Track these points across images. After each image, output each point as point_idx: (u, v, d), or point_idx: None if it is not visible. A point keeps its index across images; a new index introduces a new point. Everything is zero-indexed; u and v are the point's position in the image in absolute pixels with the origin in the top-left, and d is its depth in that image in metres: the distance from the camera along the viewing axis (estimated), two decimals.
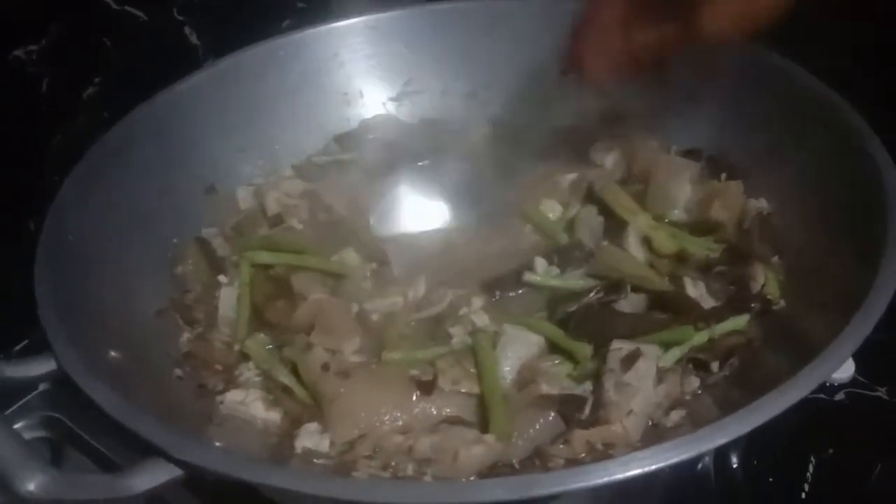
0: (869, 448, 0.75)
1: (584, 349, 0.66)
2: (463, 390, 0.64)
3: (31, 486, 0.41)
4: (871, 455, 0.75)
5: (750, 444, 0.73)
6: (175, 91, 0.85)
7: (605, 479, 0.45)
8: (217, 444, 0.54)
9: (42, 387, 0.91)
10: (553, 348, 0.68)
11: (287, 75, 0.93)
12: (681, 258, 0.75)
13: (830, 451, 0.76)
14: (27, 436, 0.87)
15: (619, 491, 0.62)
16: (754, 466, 0.74)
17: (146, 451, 0.48)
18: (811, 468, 0.75)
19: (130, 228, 0.75)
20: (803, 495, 0.72)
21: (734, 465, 0.75)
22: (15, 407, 0.87)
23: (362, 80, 0.98)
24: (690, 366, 0.65)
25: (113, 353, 0.61)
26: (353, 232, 0.79)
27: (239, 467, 0.46)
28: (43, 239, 0.64)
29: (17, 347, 0.93)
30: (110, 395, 0.50)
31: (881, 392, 0.81)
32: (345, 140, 0.96)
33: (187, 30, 1.04)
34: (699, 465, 0.74)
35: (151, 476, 0.46)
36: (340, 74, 0.97)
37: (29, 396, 0.90)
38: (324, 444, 0.61)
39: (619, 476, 0.45)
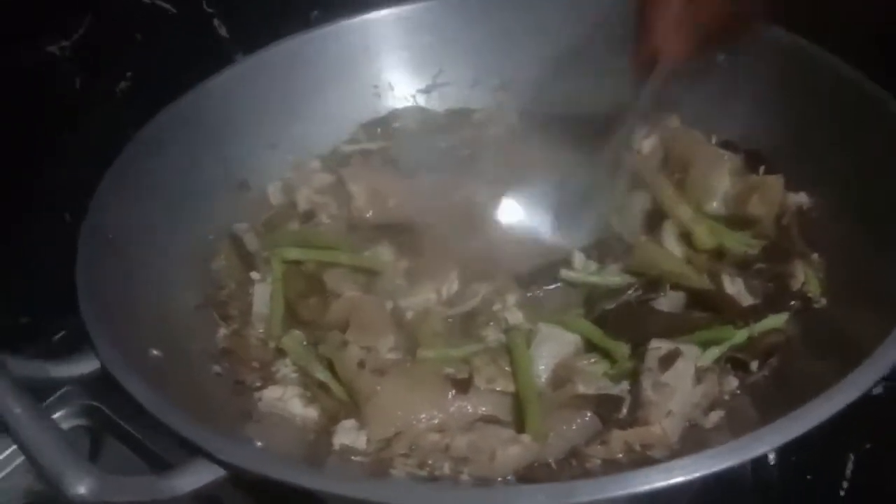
0: None
1: (622, 348, 0.65)
2: (498, 389, 0.64)
3: (81, 490, 0.42)
4: None
5: None
6: (207, 87, 0.86)
7: (647, 487, 0.45)
8: (258, 443, 0.54)
9: None
10: (589, 347, 0.67)
11: (317, 69, 0.92)
12: (718, 254, 0.74)
13: (868, 445, 0.75)
14: (66, 425, 0.89)
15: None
16: (791, 463, 0.74)
17: (189, 450, 0.49)
18: (850, 465, 0.74)
19: (167, 225, 0.76)
20: (842, 493, 0.71)
21: (770, 463, 0.74)
22: (55, 396, 0.89)
23: (392, 72, 0.98)
24: (729, 365, 0.64)
25: (154, 352, 0.61)
26: (383, 226, 0.79)
27: (281, 469, 0.46)
28: (83, 237, 0.64)
29: (56, 337, 0.95)
30: (154, 396, 0.51)
31: None
32: (372, 128, 0.95)
33: (216, 22, 1.04)
34: None
35: (195, 476, 0.47)
36: (371, 67, 0.96)
37: (69, 385, 0.92)
38: (361, 441, 0.61)
39: (661, 484, 0.44)
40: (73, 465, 0.43)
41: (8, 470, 0.86)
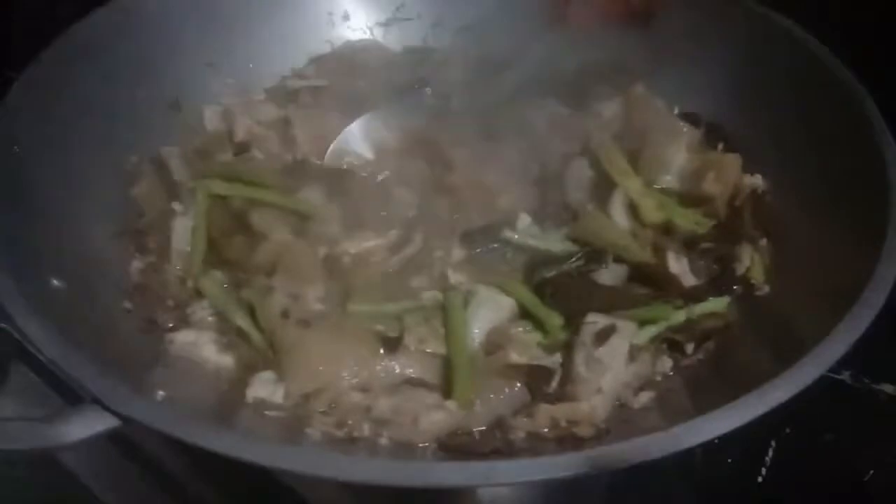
0: (827, 427, 0.75)
1: (556, 319, 0.63)
2: (429, 350, 0.61)
3: None
4: (827, 434, 0.74)
5: None
6: None
7: (569, 474, 0.43)
8: (161, 392, 0.50)
9: None
10: (525, 314, 0.65)
11: None
12: (666, 229, 0.71)
13: (788, 431, 0.76)
14: None
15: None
16: (713, 446, 0.74)
17: (81, 395, 0.45)
18: (770, 450, 0.74)
19: (85, 141, 0.69)
20: (760, 478, 0.72)
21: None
22: None
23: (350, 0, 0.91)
24: (665, 346, 0.63)
25: (55, 282, 0.56)
26: (319, 168, 0.73)
27: (180, 426, 0.42)
28: None
29: None
30: (43, 328, 0.46)
31: (844, 376, 0.80)
32: (322, 63, 0.89)
33: None
34: None
35: (85, 425, 0.42)
36: None
37: None
38: (277, 395, 0.58)
39: (585, 471, 0.43)
40: None
41: None
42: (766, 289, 0.67)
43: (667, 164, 0.75)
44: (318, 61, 0.89)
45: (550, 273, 0.66)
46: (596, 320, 0.61)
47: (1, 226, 0.55)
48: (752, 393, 0.47)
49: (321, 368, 0.59)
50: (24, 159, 0.63)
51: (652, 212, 0.71)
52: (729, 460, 0.73)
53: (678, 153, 0.74)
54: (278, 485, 0.63)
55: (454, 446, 0.55)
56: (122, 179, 0.72)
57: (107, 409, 0.43)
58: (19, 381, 0.80)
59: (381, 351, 0.61)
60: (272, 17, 0.87)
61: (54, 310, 0.52)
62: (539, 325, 0.64)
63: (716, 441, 0.72)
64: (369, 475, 0.41)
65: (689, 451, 0.71)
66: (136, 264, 0.67)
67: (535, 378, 0.59)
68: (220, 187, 0.70)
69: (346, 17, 0.91)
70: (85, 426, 0.43)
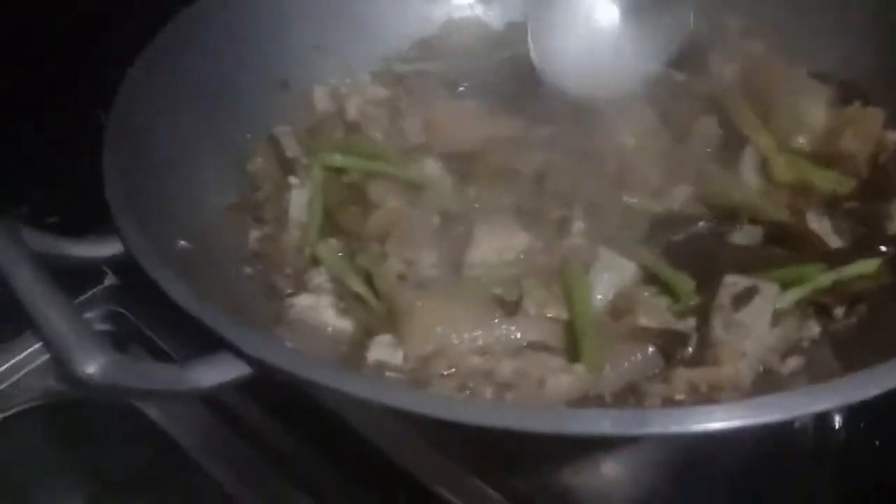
0: None
1: (687, 283, 0.59)
2: (550, 315, 0.58)
3: (92, 369, 0.38)
4: None
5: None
6: None
7: (724, 425, 0.39)
8: (289, 344, 0.50)
9: (108, 281, 0.90)
10: (651, 279, 0.61)
11: None
12: (803, 190, 0.66)
13: None
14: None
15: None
16: (859, 428, 0.67)
17: (213, 347, 0.44)
18: None
19: (202, 117, 0.71)
20: None
21: (836, 426, 0.68)
22: (81, 298, 0.86)
23: None
24: (811, 310, 0.58)
25: (182, 243, 0.57)
26: (433, 146, 0.73)
27: (315, 370, 0.41)
28: (111, 120, 0.59)
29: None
30: (178, 283, 0.47)
31: None
32: (425, 47, 0.88)
33: None
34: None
35: (218, 372, 0.42)
36: None
37: (95, 289, 0.89)
38: (397, 358, 0.56)
39: (743, 422, 0.39)
40: (86, 341, 0.39)
41: (28, 369, 0.83)
42: None
43: (801, 123, 0.69)
44: (420, 44, 0.89)
45: (678, 235, 0.62)
46: (734, 282, 0.56)
47: (130, 190, 0.56)
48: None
49: (439, 329, 0.57)
50: (146, 129, 0.64)
51: (786, 170, 0.66)
52: (876, 443, 0.66)
53: (814, 109, 0.69)
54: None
55: None
56: (238, 156, 0.74)
57: (242, 355, 0.42)
58: None
59: (500, 315, 0.58)
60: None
61: (182, 268, 0.52)
62: (667, 289, 0.60)
63: (861, 424, 0.67)
64: (511, 421, 0.39)
65: (831, 430, 0.66)
66: (255, 233, 0.68)
67: (669, 342, 0.55)
68: (336, 160, 0.70)
69: None
70: (220, 372, 0.42)
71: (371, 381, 0.42)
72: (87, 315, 0.87)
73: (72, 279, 0.84)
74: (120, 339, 0.87)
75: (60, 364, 0.38)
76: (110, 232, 0.51)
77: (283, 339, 0.55)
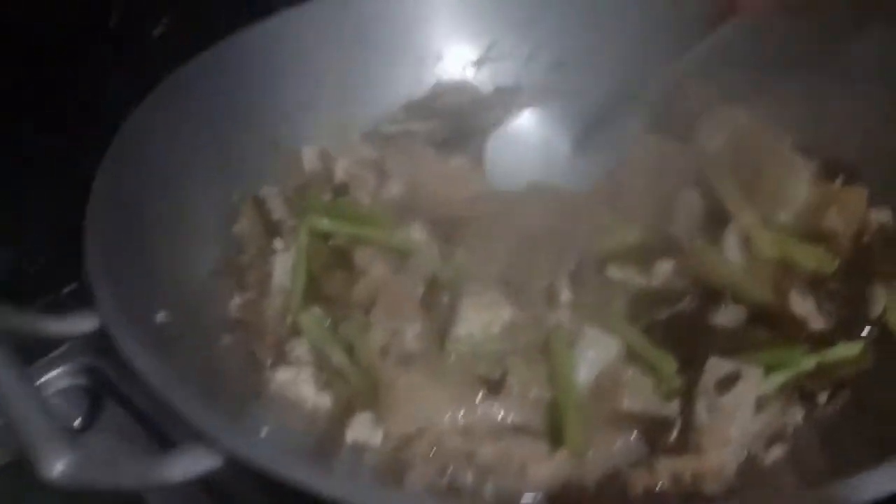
0: None
1: (670, 364, 0.58)
2: (533, 394, 0.58)
3: (58, 469, 0.37)
4: None
5: None
6: (245, 36, 0.80)
7: None
8: (264, 428, 0.49)
9: None
10: (635, 357, 0.61)
11: (364, 29, 0.86)
12: (787, 268, 0.66)
13: None
14: (65, 383, 0.85)
15: None
16: None
17: (188, 431, 0.43)
18: None
19: (190, 179, 0.71)
20: None
21: None
22: (56, 353, 0.85)
23: (443, 40, 0.91)
24: (795, 395, 0.57)
25: (162, 316, 0.56)
26: (419, 210, 0.73)
27: (288, 465, 0.40)
28: (96, 190, 0.59)
29: (67, 290, 0.90)
30: (154, 364, 0.46)
31: None
32: (415, 109, 0.89)
33: None
34: None
35: (189, 464, 0.41)
36: (421, 32, 0.90)
37: (70, 343, 0.88)
38: (376, 437, 0.55)
39: None
40: (53, 435, 0.38)
41: None
42: None
43: (786, 200, 0.70)
44: (410, 106, 0.89)
45: (661, 314, 0.62)
46: (719, 365, 0.56)
47: (112, 261, 0.56)
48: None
49: (421, 409, 0.56)
50: (133, 194, 0.64)
51: (770, 247, 0.66)
52: None
53: (799, 186, 0.69)
54: None
55: (566, 499, 0.51)
56: (224, 217, 0.73)
57: (212, 447, 0.41)
58: (112, 421, 0.81)
59: (483, 393, 0.58)
60: (366, 60, 0.88)
61: (161, 344, 0.52)
62: (651, 369, 0.59)
63: None
64: None
65: None
66: (237, 300, 0.67)
67: (652, 428, 0.55)
68: (324, 224, 0.70)
69: (438, 58, 0.92)
70: (191, 464, 0.41)
71: (342, 481, 0.41)
72: (62, 369, 0.86)
73: None
74: (95, 395, 0.85)
75: (29, 462, 0.37)
76: (89, 307, 0.50)
77: (258, 421, 0.54)
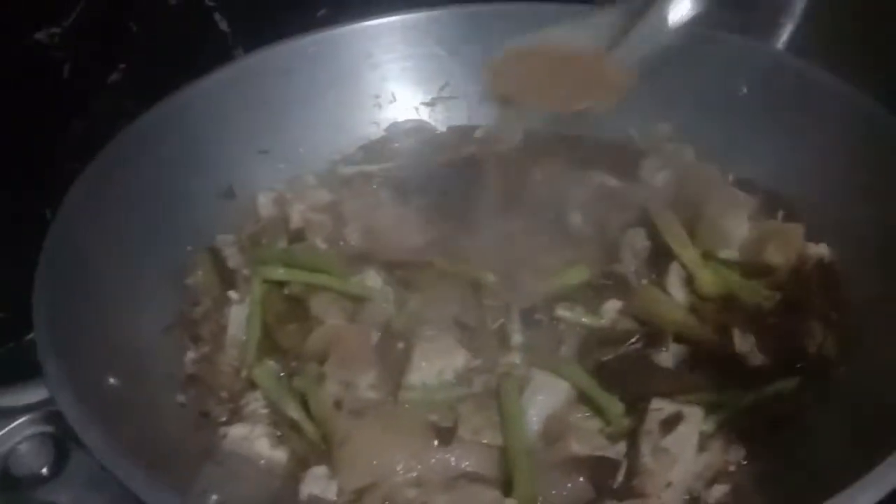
0: None
1: (617, 406, 0.60)
2: (485, 441, 0.59)
3: None
4: None
5: None
6: (199, 86, 0.81)
7: None
8: (214, 496, 0.49)
9: None
10: (583, 399, 0.62)
11: (318, 74, 0.88)
12: (729, 304, 0.68)
13: None
14: (30, 431, 0.84)
15: None
16: None
17: None
18: None
19: (142, 234, 0.71)
20: None
21: None
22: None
23: (396, 82, 0.93)
24: (735, 434, 0.59)
25: (112, 380, 0.56)
26: (374, 255, 0.74)
27: None
28: (45, 254, 0.59)
29: (29, 336, 0.90)
30: (104, 443, 0.47)
31: None
32: (370, 150, 0.91)
33: (217, 16, 0.99)
34: None
35: None
36: (373, 76, 0.91)
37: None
38: (331, 492, 0.56)
39: None
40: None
41: None
42: (843, 368, 0.63)
43: (726, 236, 0.72)
44: (366, 147, 0.91)
45: (607, 356, 0.64)
46: (661, 407, 0.58)
47: (59, 324, 0.56)
48: (837, 496, 0.43)
49: (374, 462, 0.57)
50: (80, 255, 0.64)
51: (711, 284, 0.69)
52: None
53: (738, 224, 0.72)
54: None
55: None
56: (177, 269, 0.74)
57: None
58: (78, 468, 0.81)
59: (436, 442, 0.59)
60: (320, 102, 0.89)
61: (110, 412, 0.52)
62: (598, 411, 0.61)
63: None
64: None
65: None
66: (191, 355, 0.68)
67: (599, 471, 0.56)
68: (278, 273, 0.71)
69: (391, 100, 0.93)
70: None
71: None
72: (27, 417, 0.85)
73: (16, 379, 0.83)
74: (61, 442, 0.85)
75: None
76: (35, 378, 0.50)
77: (212, 480, 0.55)
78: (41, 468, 0.78)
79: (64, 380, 0.50)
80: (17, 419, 0.83)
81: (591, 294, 0.70)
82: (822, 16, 0.87)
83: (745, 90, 0.82)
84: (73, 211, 0.65)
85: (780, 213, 0.76)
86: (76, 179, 0.68)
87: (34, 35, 0.86)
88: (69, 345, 0.54)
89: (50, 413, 0.86)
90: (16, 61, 0.85)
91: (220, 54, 0.96)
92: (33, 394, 0.52)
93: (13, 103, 0.84)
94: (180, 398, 0.63)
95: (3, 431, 0.79)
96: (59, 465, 0.82)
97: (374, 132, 0.92)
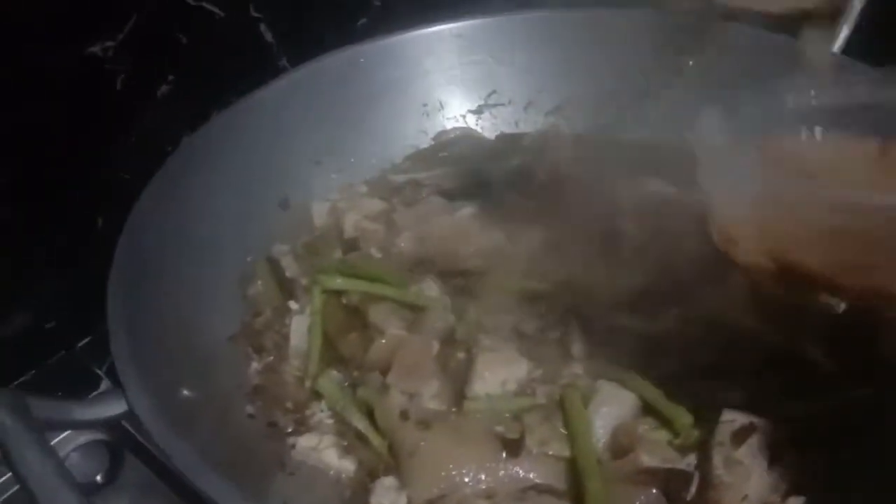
0: None
1: (685, 417, 0.59)
2: (551, 453, 0.58)
3: None
4: None
5: None
6: (254, 99, 0.82)
7: None
8: None
9: (104, 386, 0.89)
10: (649, 410, 0.62)
11: (368, 84, 0.88)
12: (796, 310, 0.67)
13: None
14: (85, 439, 0.86)
15: None
16: None
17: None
18: None
19: (205, 245, 0.72)
20: None
21: None
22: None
23: (444, 90, 0.93)
24: (809, 443, 0.58)
25: (185, 392, 0.57)
26: (431, 263, 0.74)
27: None
28: (115, 269, 0.60)
29: (82, 343, 0.92)
30: (185, 453, 0.47)
31: None
32: (418, 158, 0.91)
33: (262, 27, 1.00)
34: None
35: None
36: (422, 84, 0.92)
37: (92, 395, 0.88)
38: (401, 503, 0.56)
39: None
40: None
41: None
42: None
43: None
44: (415, 156, 0.91)
45: (672, 366, 0.63)
46: (732, 418, 0.57)
47: (135, 340, 0.57)
48: None
49: (443, 473, 0.57)
50: (147, 265, 0.65)
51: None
52: None
53: None
54: None
55: None
56: (238, 280, 0.74)
57: None
58: (132, 475, 0.82)
59: (504, 454, 0.59)
60: (371, 112, 0.90)
61: (186, 423, 0.53)
62: (666, 422, 0.60)
63: None
64: None
65: None
66: (255, 366, 0.68)
67: (671, 484, 0.55)
68: (337, 283, 0.71)
69: (440, 108, 0.94)
70: None
71: None
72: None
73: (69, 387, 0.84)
74: (115, 450, 0.86)
75: None
76: (112, 392, 0.51)
77: (285, 491, 0.55)
78: (96, 475, 0.80)
79: (144, 393, 0.51)
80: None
81: (651, 302, 0.70)
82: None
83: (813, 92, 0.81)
84: (140, 221, 0.67)
85: None
86: (144, 190, 0.69)
87: (90, 48, 0.87)
88: (145, 356, 0.55)
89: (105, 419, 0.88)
90: (71, 73, 0.86)
91: (265, 65, 0.97)
92: (103, 407, 0.52)
93: (67, 114, 0.86)
94: (248, 409, 0.64)
95: (58, 439, 0.81)
96: (113, 472, 0.83)
97: (423, 141, 0.92)
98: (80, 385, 0.88)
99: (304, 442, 0.60)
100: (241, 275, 0.75)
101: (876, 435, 0.58)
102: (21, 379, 0.86)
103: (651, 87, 0.88)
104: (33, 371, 0.88)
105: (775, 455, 0.57)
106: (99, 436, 0.87)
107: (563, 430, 0.60)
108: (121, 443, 0.85)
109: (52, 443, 0.75)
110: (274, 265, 0.76)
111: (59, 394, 0.56)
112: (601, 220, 0.78)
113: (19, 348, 0.88)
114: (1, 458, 0.44)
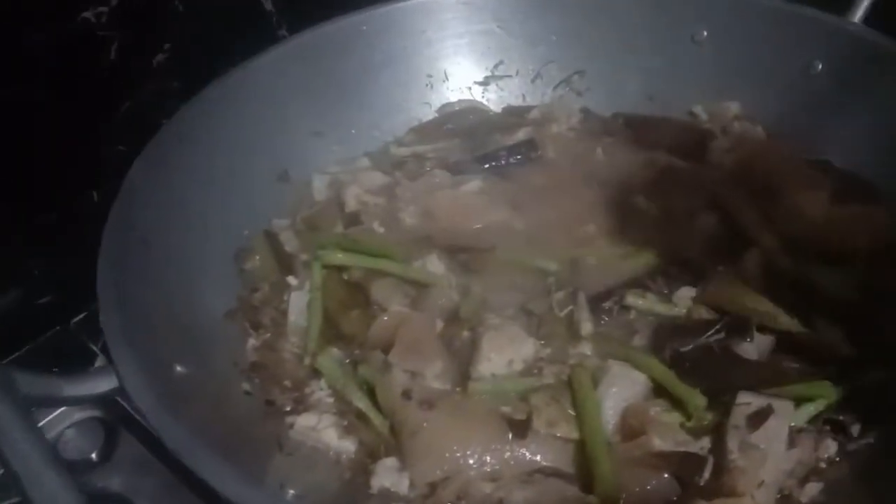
0: None
1: (699, 399, 0.57)
2: (559, 434, 0.56)
3: None
4: None
5: None
6: (251, 67, 0.78)
7: None
8: (291, 491, 0.47)
9: (99, 362, 0.88)
10: (660, 391, 0.59)
11: (371, 53, 0.85)
12: (810, 292, 0.65)
13: None
14: (80, 416, 0.84)
15: None
16: None
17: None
18: None
19: (200, 217, 0.69)
20: None
21: None
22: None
23: (449, 61, 0.90)
24: (827, 428, 0.56)
25: (179, 368, 0.55)
26: (435, 239, 0.71)
27: None
28: (106, 239, 0.58)
29: (76, 319, 0.90)
30: (179, 433, 0.45)
31: None
32: (422, 132, 0.88)
33: None
34: None
35: None
36: (426, 54, 0.88)
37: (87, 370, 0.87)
38: (402, 485, 0.54)
39: None
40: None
41: None
42: None
43: (804, 220, 0.69)
44: (419, 129, 0.88)
45: (685, 346, 0.61)
46: (748, 401, 0.55)
47: (125, 310, 0.55)
48: None
49: (447, 455, 0.55)
50: (144, 239, 0.63)
51: (791, 271, 0.65)
52: None
53: (818, 206, 0.68)
54: None
55: None
56: (235, 253, 0.72)
57: None
58: (128, 452, 0.80)
59: (510, 436, 0.57)
60: (374, 83, 0.87)
61: (180, 401, 0.51)
62: (678, 404, 0.58)
63: None
64: None
65: None
66: (252, 342, 0.66)
67: (684, 468, 0.53)
68: (338, 258, 0.68)
69: (444, 79, 0.90)
70: None
71: None
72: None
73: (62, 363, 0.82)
74: (111, 427, 0.85)
75: None
76: (103, 368, 0.49)
77: (283, 472, 0.53)
78: (91, 453, 0.78)
79: (135, 369, 0.49)
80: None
81: (663, 281, 0.67)
82: None
83: (819, 66, 0.78)
84: (132, 192, 0.64)
85: (861, 196, 0.72)
86: (135, 160, 0.66)
87: (82, 13, 0.84)
88: (137, 332, 0.53)
89: (99, 396, 0.86)
90: (64, 40, 0.83)
91: (264, 34, 0.93)
92: (94, 383, 0.50)
93: (60, 83, 0.83)
94: (245, 387, 0.62)
95: (52, 416, 0.79)
96: (108, 449, 0.82)
97: (426, 113, 0.89)
98: (74, 362, 0.86)
99: (303, 421, 0.58)
100: (239, 249, 0.73)
101: (893, 420, 0.56)
102: (14, 355, 0.84)
103: (663, 60, 0.86)
104: (27, 347, 0.86)
105: (792, 439, 0.55)
106: (94, 413, 0.85)
107: (571, 412, 0.58)
108: (116, 420, 0.83)
109: (46, 420, 0.76)
110: (272, 239, 0.74)
111: (55, 370, 0.53)
112: (610, 196, 0.76)
113: (12, 324, 0.86)
114: None
